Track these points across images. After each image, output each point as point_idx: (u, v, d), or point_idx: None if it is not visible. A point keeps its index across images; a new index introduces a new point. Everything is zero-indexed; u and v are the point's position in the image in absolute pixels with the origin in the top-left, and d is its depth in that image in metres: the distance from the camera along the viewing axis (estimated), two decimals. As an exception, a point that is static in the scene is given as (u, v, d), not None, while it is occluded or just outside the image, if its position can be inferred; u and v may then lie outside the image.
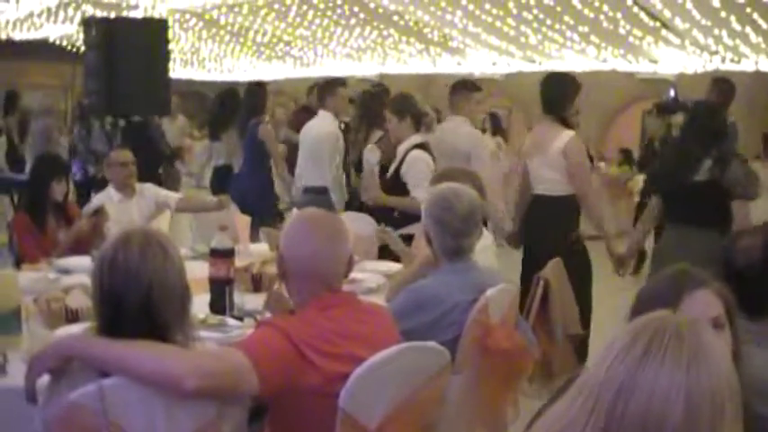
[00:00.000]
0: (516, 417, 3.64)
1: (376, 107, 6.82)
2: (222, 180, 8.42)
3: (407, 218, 5.50)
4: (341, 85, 7.35)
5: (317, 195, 6.98)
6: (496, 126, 13.09)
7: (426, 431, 2.85)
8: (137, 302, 2.37)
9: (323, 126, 7.17)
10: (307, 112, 9.43)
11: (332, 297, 2.79)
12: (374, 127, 6.83)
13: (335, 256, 2.82)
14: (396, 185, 5.88)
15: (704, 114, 5.49)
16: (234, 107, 8.59)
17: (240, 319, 3.66)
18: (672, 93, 16.11)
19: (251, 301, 3.90)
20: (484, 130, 12.48)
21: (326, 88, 7.33)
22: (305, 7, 15.37)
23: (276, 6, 15.31)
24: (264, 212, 7.33)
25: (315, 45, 18.52)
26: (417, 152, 5.85)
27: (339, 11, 15.41)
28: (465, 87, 6.58)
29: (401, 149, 5.94)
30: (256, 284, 4.29)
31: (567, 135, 5.51)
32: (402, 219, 5.61)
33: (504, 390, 3.57)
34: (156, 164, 8.92)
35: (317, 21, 16.23)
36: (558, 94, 5.70)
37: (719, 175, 5.07)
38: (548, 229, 5.55)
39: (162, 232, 2.88)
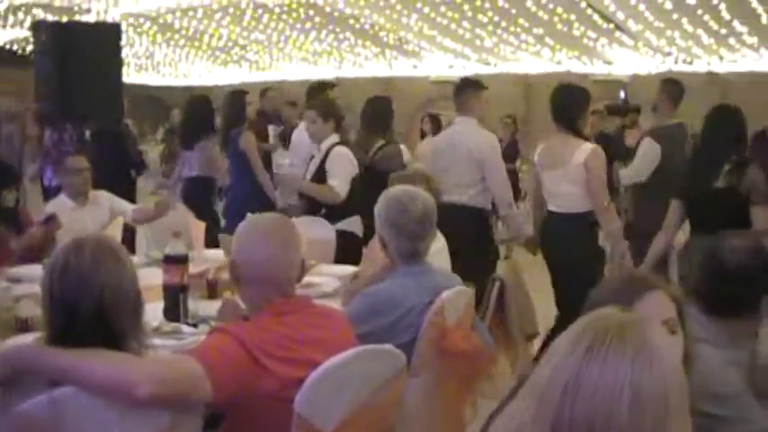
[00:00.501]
0: (474, 417, 3.64)
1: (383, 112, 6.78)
2: (197, 191, 7.89)
3: (333, 215, 5.90)
4: (331, 88, 7.23)
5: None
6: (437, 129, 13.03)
7: (383, 435, 2.84)
8: (90, 309, 2.33)
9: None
10: (263, 117, 9.41)
11: (286, 302, 2.77)
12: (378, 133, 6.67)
13: (288, 261, 2.80)
14: (320, 181, 6.09)
15: (723, 119, 5.47)
16: (206, 115, 8.19)
17: (195, 325, 3.61)
18: (622, 94, 16.27)
19: (206, 307, 3.86)
20: (423, 134, 12.57)
21: (319, 91, 7.14)
22: (260, 11, 15.33)
23: (231, 10, 15.26)
24: None
25: (270, 49, 18.46)
26: (341, 148, 6.08)
27: (295, 15, 15.39)
28: (472, 86, 6.31)
29: (324, 147, 6.12)
30: (211, 291, 4.24)
31: (587, 147, 5.48)
32: (328, 215, 5.91)
33: (462, 391, 3.57)
34: (127, 172, 8.67)
35: (273, 24, 16.20)
36: (571, 104, 5.64)
37: (737, 181, 5.08)
38: (571, 249, 5.45)
39: (114, 239, 2.84)
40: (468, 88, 6.23)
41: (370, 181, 6.03)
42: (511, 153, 12.41)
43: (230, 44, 18.43)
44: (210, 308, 3.76)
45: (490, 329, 4.18)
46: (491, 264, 5.75)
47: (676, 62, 15.66)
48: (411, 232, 3.50)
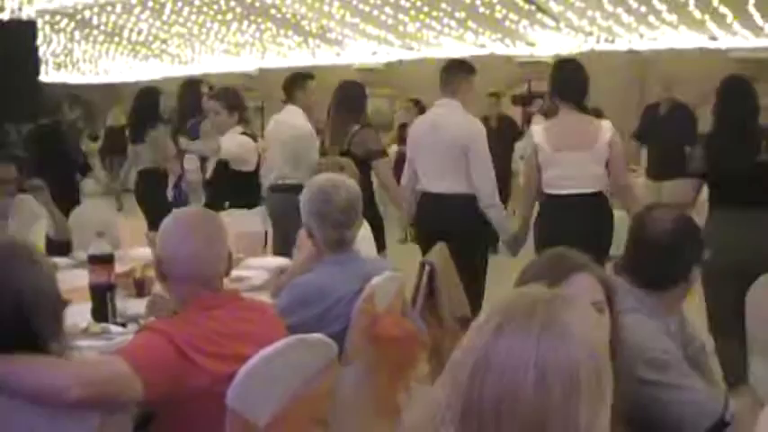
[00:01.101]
0: (409, 403, 3.65)
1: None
2: (151, 185, 7.73)
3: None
4: (310, 79, 6.99)
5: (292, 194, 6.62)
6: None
7: (318, 425, 2.84)
8: (7, 312, 2.29)
9: (298, 122, 6.72)
10: None
11: (213, 297, 2.76)
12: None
13: (214, 256, 2.78)
14: (224, 172, 6.25)
15: (741, 92, 5.17)
16: (155, 106, 7.93)
17: (124, 325, 3.57)
18: (526, 86, 16.56)
19: (134, 306, 3.82)
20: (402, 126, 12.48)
21: (296, 82, 6.92)
22: (180, 4, 15.13)
23: (150, 4, 15.03)
24: None
25: (192, 42, 18.25)
26: (245, 138, 6.25)
27: (215, 6, 15.22)
28: (462, 68, 5.96)
29: (227, 138, 6.20)
30: (139, 289, 4.19)
31: (608, 125, 5.24)
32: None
33: (396, 378, 3.58)
34: (69, 175, 8.08)
35: (194, 17, 15.99)
36: (581, 80, 5.35)
37: None
38: (600, 231, 5.15)
39: (29, 241, 2.79)
40: (457, 69, 5.91)
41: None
42: None
43: (151, 38, 18.12)
44: (139, 306, 3.71)
45: (422, 314, 4.20)
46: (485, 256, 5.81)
47: (598, 41, 15.86)
48: (336, 221, 3.50)
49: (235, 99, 6.38)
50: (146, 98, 8.17)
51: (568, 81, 5.33)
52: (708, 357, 3.11)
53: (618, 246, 4.66)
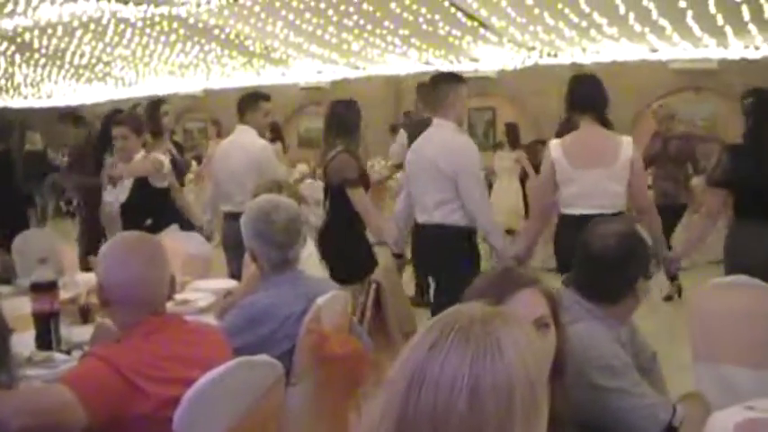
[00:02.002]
0: (359, 421, 3.64)
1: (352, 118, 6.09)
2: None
3: (158, 225, 5.88)
4: (263, 100, 6.78)
5: None
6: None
7: (265, 446, 2.82)
8: None
9: (253, 143, 6.48)
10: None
11: (156, 321, 2.73)
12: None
13: (155, 280, 2.76)
14: (142, 188, 6.26)
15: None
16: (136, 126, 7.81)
17: (68, 352, 3.53)
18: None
19: (80, 333, 3.78)
20: None
21: (248, 102, 6.69)
22: (122, 26, 15.02)
23: (92, 27, 14.89)
24: None
25: (136, 64, 18.13)
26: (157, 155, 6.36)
27: (158, 28, 15.14)
28: (450, 79, 5.51)
29: (137, 159, 6.28)
30: (84, 315, 4.15)
31: (629, 142, 5.01)
32: (154, 226, 5.85)
33: (345, 396, 3.57)
34: (16, 206, 7.73)
35: (137, 39, 15.90)
36: (600, 93, 5.14)
37: None
38: None
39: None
40: (444, 83, 5.44)
41: (330, 193, 5.83)
42: None
43: (94, 61, 17.99)
44: (84, 333, 3.68)
45: (370, 332, 4.20)
46: None
47: (541, 56, 16.04)
48: (278, 242, 3.49)
49: (140, 123, 6.49)
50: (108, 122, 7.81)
51: (589, 94, 5.13)
52: (659, 366, 3.15)
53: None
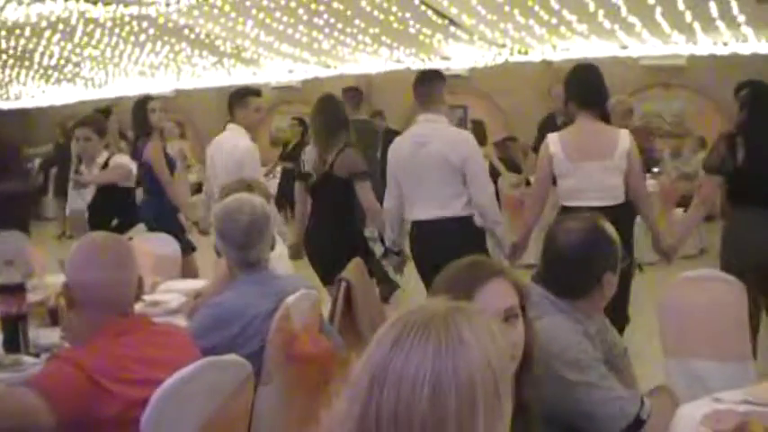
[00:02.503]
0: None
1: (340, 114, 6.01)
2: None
3: (124, 225, 5.89)
4: (252, 95, 6.61)
5: None
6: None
7: (235, 447, 2.81)
8: None
9: (240, 141, 6.36)
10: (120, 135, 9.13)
11: (123, 322, 2.72)
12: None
13: (123, 281, 2.75)
14: (105, 191, 6.38)
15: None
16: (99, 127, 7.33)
17: (37, 355, 3.51)
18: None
19: (48, 335, 3.76)
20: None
21: (236, 99, 6.54)
22: (91, 26, 14.89)
23: (61, 27, 14.75)
24: None
25: (106, 65, 17.99)
26: (121, 156, 6.51)
27: (128, 28, 15.01)
28: (438, 77, 5.51)
29: (100, 161, 6.39)
30: (53, 318, 4.12)
31: (626, 134, 5.04)
32: (120, 226, 5.88)
33: (316, 395, 3.55)
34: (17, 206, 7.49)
35: (106, 39, 15.75)
36: (601, 86, 5.12)
37: None
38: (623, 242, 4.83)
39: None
40: (434, 79, 5.45)
41: (332, 188, 5.74)
42: (297, 152, 12.53)
43: (63, 62, 17.81)
44: (53, 335, 3.66)
45: (340, 331, 4.19)
46: None
47: (512, 53, 16.09)
48: (239, 242, 3.47)
49: (103, 125, 6.51)
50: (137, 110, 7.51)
51: (588, 87, 5.10)
52: (629, 361, 3.17)
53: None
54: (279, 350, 3.34)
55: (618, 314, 4.85)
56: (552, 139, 5.10)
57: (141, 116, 7.08)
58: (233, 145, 6.33)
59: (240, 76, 18.07)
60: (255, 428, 3.27)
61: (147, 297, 4.47)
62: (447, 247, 4.81)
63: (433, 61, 16.61)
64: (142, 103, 7.21)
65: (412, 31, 14.41)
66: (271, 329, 3.32)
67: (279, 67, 17.79)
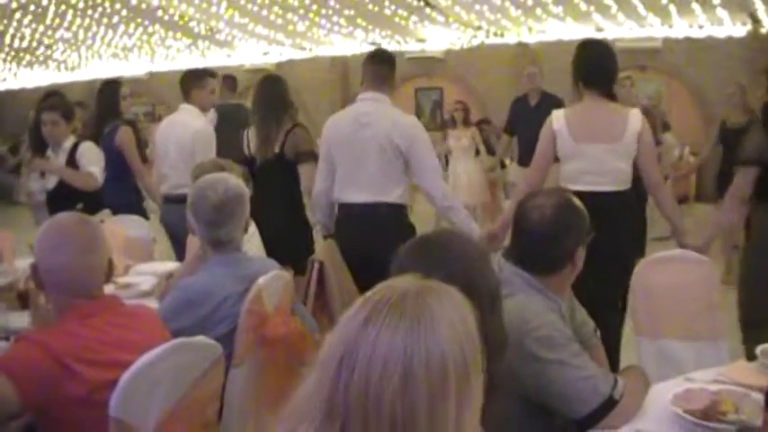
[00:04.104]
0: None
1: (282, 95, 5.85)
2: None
3: (90, 210, 5.53)
4: (209, 76, 6.51)
5: None
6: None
7: (205, 428, 2.79)
8: None
9: (193, 122, 6.21)
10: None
11: (92, 304, 2.69)
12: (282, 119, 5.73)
13: (90, 263, 2.71)
14: None
15: None
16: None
17: (6, 339, 3.48)
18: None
19: (18, 319, 3.74)
20: None
21: (193, 79, 6.40)
22: (63, 7, 14.74)
23: (32, 8, 14.60)
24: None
25: (78, 47, 17.83)
26: (89, 143, 6.29)
27: (100, 9, 14.88)
28: (390, 60, 5.25)
29: (67, 146, 6.18)
30: (23, 302, 4.10)
31: (637, 114, 4.70)
32: (85, 210, 5.52)
33: (288, 376, 3.54)
34: None
35: (78, 21, 15.61)
36: (610, 63, 4.82)
37: None
38: (622, 230, 4.58)
39: None
40: (387, 61, 5.20)
41: (281, 171, 5.62)
42: None
43: (35, 44, 17.65)
44: (22, 319, 3.63)
45: (314, 313, 4.17)
46: None
47: (488, 36, 16.09)
48: (209, 220, 3.43)
49: (71, 109, 6.34)
50: (106, 93, 7.26)
51: (595, 64, 4.80)
52: (599, 341, 3.17)
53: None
54: (250, 332, 3.32)
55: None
56: (557, 115, 4.84)
57: (111, 100, 6.94)
58: (188, 126, 6.20)
59: (214, 58, 17.99)
60: (227, 411, 3.25)
61: (119, 279, 4.46)
62: (378, 235, 4.66)
63: (409, 43, 16.60)
64: (113, 87, 7.08)
65: (387, 12, 14.37)
66: (242, 311, 3.30)
67: (253, 49, 17.71)
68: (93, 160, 6.15)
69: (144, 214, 6.53)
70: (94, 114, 7.22)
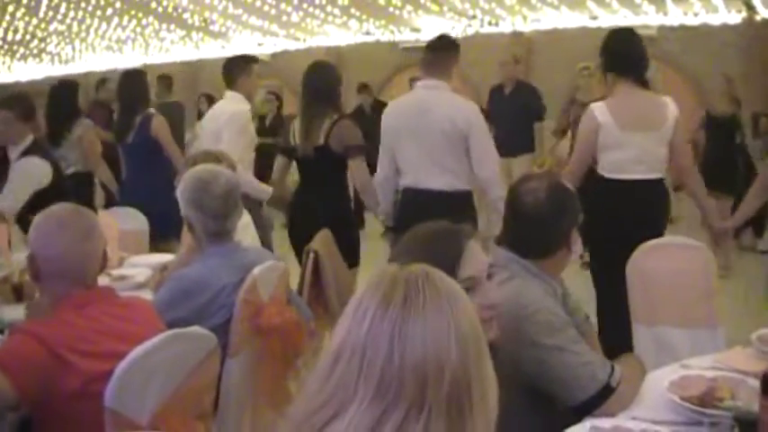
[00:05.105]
0: (300, 392, 3.60)
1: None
2: (82, 189, 6.66)
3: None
4: (254, 62, 6.28)
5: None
6: None
7: (201, 419, 2.79)
8: None
9: (237, 107, 6.01)
10: (103, 108, 8.94)
11: (87, 294, 2.69)
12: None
13: (86, 252, 2.70)
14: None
15: None
16: (74, 103, 7.08)
17: (1, 332, 3.47)
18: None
19: (13, 311, 3.73)
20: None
21: (239, 66, 6.17)
22: (56, 0, 14.70)
23: (25, 1, 14.55)
24: (171, 224, 5.11)
25: (72, 39, 17.78)
26: (27, 160, 5.48)
27: (93, 2, 14.83)
28: (453, 45, 5.28)
29: (21, 148, 5.55)
30: (18, 294, 4.09)
31: (672, 102, 4.75)
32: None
33: (283, 366, 3.54)
34: None
35: (72, 14, 15.56)
36: (639, 50, 4.82)
37: None
38: (660, 217, 4.74)
39: None
40: (448, 47, 5.23)
41: (326, 163, 5.34)
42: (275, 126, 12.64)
43: (28, 37, 17.60)
44: (18, 312, 3.62)
45: (309, 302, 4.16)
46: None
47: (482, 25, 16.06)
48: (215, 211, 3.42)
49: (27, 106, 5.77)
50: (63, 94, 7.17)
51: (626, 53, 4.80)
52: (591, 328, 3.16)
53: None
54: (246, 322, 3.32)
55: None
56: (599, 108, 4.78)
57: (139, 89, 6.72)
58: (225, 111, 6.02)
59: (208, 50, 17.96)
60: (223, 401, 3.26)
61: (113, 271, 4.45)
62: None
63: (403, 33, 16.56)
64: (139, 76, 6.89)
65: (381, 2, 14.34)
66: (237, 301, 3.30)
67: (247, 40, 17.67)
68: (13, 190, 5.41)
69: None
70: (119, 106, 6.94)
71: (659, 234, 4.47)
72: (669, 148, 4.70)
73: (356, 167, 5.32)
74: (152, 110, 6.64)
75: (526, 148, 9.35)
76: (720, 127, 9.59)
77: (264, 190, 5.90)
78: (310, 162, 5.38)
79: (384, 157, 5.26)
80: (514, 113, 9.30)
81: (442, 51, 5.18)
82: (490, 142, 5.10)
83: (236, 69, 6.13)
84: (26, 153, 5.54)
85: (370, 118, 10.43)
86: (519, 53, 15.33)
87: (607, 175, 4.76)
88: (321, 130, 5.29)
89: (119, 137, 6.72)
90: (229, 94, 6.15)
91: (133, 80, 6.81)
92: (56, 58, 19.40)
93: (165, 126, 6.51)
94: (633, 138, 4.64)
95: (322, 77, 5.50)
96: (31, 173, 5.40)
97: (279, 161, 5.75)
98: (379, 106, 11.69)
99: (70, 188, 5.95)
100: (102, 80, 9.67)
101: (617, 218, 4.66)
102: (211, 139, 5.92)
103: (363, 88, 12.37)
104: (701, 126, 9.79)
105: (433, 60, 5.14)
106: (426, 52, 5.19)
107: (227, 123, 5.90)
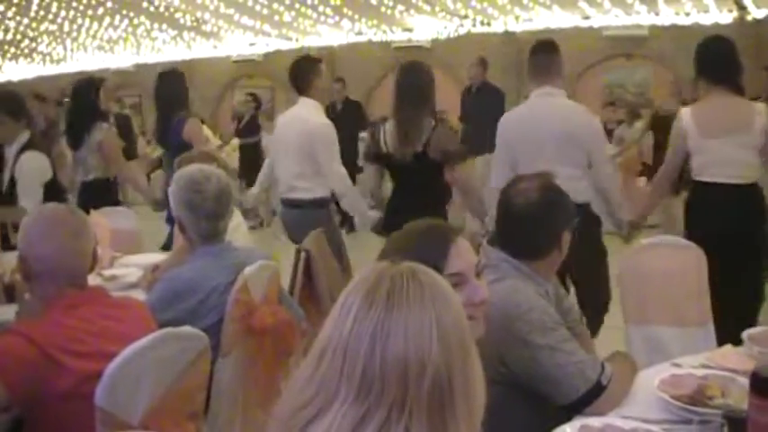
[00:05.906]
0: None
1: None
2: (101, 198, 6.15)
3: None
4: (320, 62, 5.93)
5: (315, 210, 5.61)
6: None
7: (192, 419, 2.78)
8: None
9: (313, 117, 5.63)
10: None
11: (78, 294, 2.69)
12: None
13: (77, 252, 2.71)
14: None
15: None
16: (95, 104, 6.50)
17: (-8, 331, 3.46)
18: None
19: (5, 311, 3.71)
20: None
21: (313, 68, 5.77)
22: (47, 0, 14.66)
23: (16, 1, 14.50)
24: None
25: (63, 39, 17.73)
26: (28, 155, 5.51)
27: (85, 1, 14.79)
28: (555, 49, 5.10)
29: (15, 147, 5.55)
30: (9, 294, 4.08)
31: (762, 108, 4.77)
32: None
33: (275, 366, 3.54)
34: None
35: (63, 13, 15.51)
36: (736, 58, 4.83)
37: None
38: (749, 225, 4.71)
39: None
40: (547, 49, 5.10)
41: (424, 170, 5.06)
42: (252, 128, 12.95)
43: (19, 37, 17.54)
44: (9, 312, 3.61)
45: (301, 302, 4.16)
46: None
47: (474, 24, 16.06)
48: (208, 211, 3.43)
49: (17, 104, 5.68)
50: (84, 93, 6.63)
51: (724, 61, 4.83)
52: (585, 329, 3.17)
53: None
54: (238, 322, 3.32)
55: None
56: (685, 113, 4.87)
57: (177, 89, 6.57)
58: (305, 120, 5.64)
59: (200, 49, 17.93)
60: (215, 401, 3.25)
61: (105, 272, 4.45)
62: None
63: (395, 33, 16.56)
64: (177, 77, 6.73)
65: (374, 2, 14.33)
66: (229, 301, 3.30)
67: (239, 40, 17.64)
68: (27, 187, 5.47)
69: None
70: (157, 106, 6.81)
71: (751, 244, 4.66)
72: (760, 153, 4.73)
73: (466, 174, 5.20)
74: (187, 112, 6.47)
75: (491, 148, 9.38)
76: (667, 124, 9.64)
77: (372, 216, 5.58)
78: (408, 168, 5.10)
79: (503, 169, 4.99)
80: (480, 112, 9.59)
81: (541, 54, 5.07)
82: (606, 152, 5.08)
83: (311, 73, 5.75)
84: (23, 150, 5.55)
85: (340, 115, 10.42)
86: (511, 53, 15.38)
87: (695, 177, 4.88)
88: (419, 135, 5.00)
89: (159, 140, 6.72)
90: (308, 102, 5.74)
91: (169, 81, 6.69)
92: (47, 57, 19.34)
93: (198, 130, 6.36)
94: (712, 143, 4.71)
95: (419, 78, 5.16)
96: (35, 167, 5.50)
97: (372, 169, 5.52)
98: (351, 104, 11.72)
99: (91, 195, 6.06)
100: (99, 80, 9.63)
101: (701, 218, 4.81)
102: (299, 156, 5.63)
103: (338, 81, 12.00)
104: (648, 128, 10.01)
105: (536, 66, 5.05)
106: (528, 60, 5.11)
107: (320, 140, 5.58)
